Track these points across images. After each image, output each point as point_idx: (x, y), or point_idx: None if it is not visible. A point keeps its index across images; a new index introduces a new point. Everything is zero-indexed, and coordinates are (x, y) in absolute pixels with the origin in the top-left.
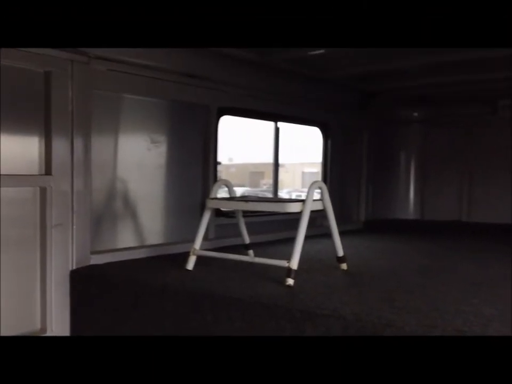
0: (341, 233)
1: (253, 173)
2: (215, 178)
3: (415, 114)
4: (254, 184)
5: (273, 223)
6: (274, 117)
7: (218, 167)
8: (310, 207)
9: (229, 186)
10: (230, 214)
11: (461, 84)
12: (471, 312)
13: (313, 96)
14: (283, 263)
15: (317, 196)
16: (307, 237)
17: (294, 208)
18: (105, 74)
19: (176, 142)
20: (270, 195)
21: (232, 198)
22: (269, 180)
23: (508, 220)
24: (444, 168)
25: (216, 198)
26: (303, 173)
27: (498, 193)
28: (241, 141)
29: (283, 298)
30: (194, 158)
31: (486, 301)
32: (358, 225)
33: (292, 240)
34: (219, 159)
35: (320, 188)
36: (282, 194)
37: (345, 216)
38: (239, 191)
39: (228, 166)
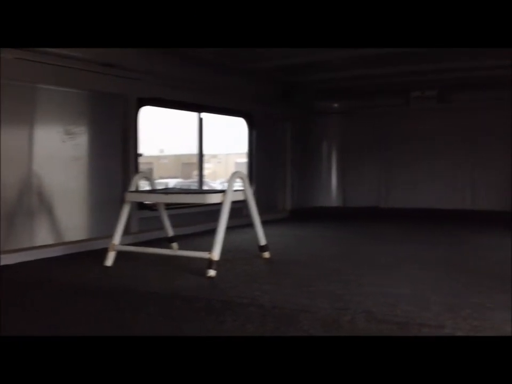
0: (268, 222)
1: (185, 164)
2: (136, 171)
3: (335, 105)
4: (187, 175)
5: (201, 214)
6: (197, 107)
7: (149, 159)
8: (230, 197)
9: (149, 178)
10: (154, 207)
11: (377, 77)
12: (380, 293)
13: (237, 87)
14: (204, 254)
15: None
16: (233, 227)
17: (215, 199)
18: (13, 63)
19: (94, 133)
20: (203, 186)
21: (153, 191)
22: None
23: (422, 204)
24: (363, 157)
25: (136, 191)
26: (236, 163)
27: (413, 179)
28: (174, 132)
29: (203, 290)
30: (113, 150)
31: (395, 282)
32: (284, 214)
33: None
34: (142, 150)
35: (241, 178)
36: (216, 185)
37: (271, 205)
38: (172, 182)
39: (159, 158)
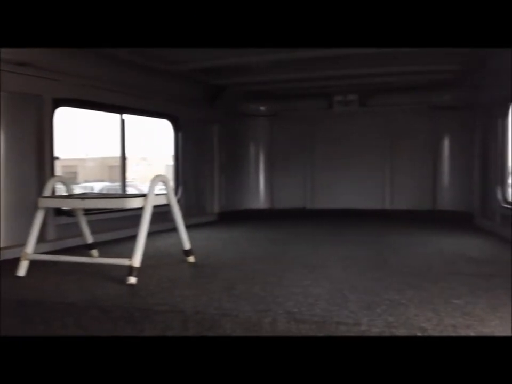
0: (195, 226)
1: (112, 167)
2: (52, 175)
3: (262, 108)
4: (114, 179)
5: (125, 219)
6: (119, 109)
7: (73, 162)
8: (152, 202)
9: (65, 182)
10: (72, 213)
11: (302, 81)
12: (301, 293)
13: (161, 89)
14: (124, 261)
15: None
16: (158, 232)
17: (135, 203)
18: None
19: (5, 136)
20: (131, 189)
21: (69, 196)
22: (128, 174)
23: (345, 205)
24: (290, 159)
25: (51, 196)
26: (166, 166)
27: (337, 181)
28: (100, 134)
29: (123, 298)
30: (27, 153)
31: (316, 282)
32: (212, 217)
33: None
34: (63, 153)
35: (163, 182)
36: (144, 188)
37: (199, 209)
38: (98, 186)
39: (84, 160)
